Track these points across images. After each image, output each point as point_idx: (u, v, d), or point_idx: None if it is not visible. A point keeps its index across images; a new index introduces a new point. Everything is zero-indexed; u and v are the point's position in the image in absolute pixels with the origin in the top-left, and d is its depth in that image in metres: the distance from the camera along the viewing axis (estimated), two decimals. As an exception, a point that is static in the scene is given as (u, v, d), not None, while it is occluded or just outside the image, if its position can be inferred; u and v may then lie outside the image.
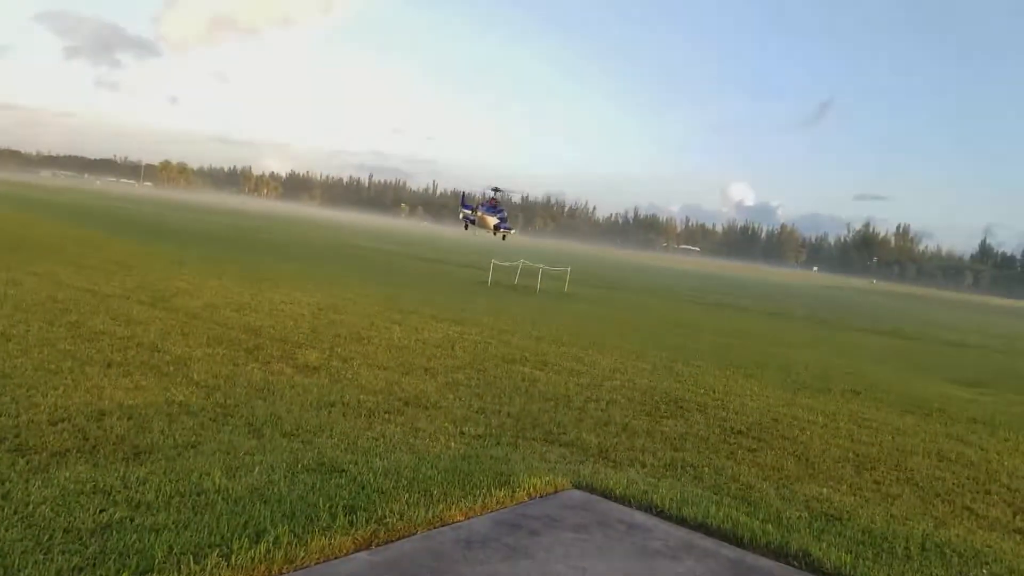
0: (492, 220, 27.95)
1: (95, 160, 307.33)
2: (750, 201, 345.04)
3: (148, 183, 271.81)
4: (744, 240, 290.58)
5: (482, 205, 27.68)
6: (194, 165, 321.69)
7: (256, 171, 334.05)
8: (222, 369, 9.58)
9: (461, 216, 28.49)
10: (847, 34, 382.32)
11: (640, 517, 5.82)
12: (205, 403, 7.97)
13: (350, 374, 10.21)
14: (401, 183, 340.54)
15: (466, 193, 27.56)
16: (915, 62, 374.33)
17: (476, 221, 28.21)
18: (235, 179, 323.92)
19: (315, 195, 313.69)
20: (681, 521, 5.85)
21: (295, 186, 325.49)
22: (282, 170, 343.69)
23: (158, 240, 32.54)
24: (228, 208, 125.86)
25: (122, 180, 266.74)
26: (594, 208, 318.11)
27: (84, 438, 6.42)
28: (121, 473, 5.54)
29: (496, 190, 27.45)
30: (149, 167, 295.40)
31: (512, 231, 29.86)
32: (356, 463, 6.31)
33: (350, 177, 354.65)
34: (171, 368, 9.33)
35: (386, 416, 8.35)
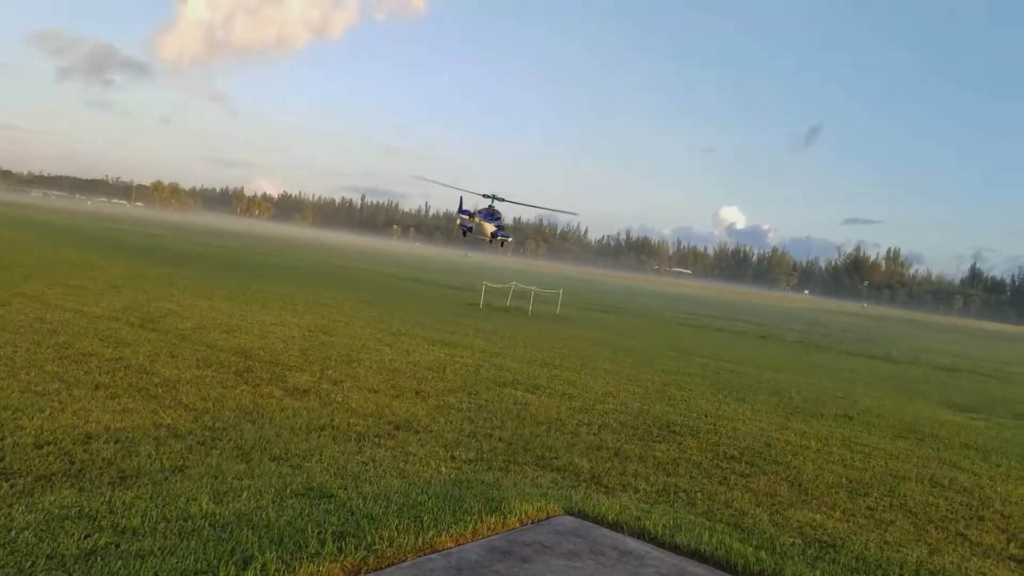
0: (490, 228, 27.73)
1: (86, 180, 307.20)
2: (741, 224, 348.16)
3: (139, 203, 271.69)
4: (736, 263, 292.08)
5: (479, 212, 27.49)
6: (186, 186, 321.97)
7: (248, 192, 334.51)
8: (211, 392, 9.49)
9: (459, 222, 28.27)
10: (837, 59, 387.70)
11: (633, 544, 5.76)
12: (193, 426, 7.89)
13: (340, 397, 10.14)
14: (393, 204, 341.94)
15: (463, 197, 27.28)
16: (904, 87, 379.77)
17: (473, 228, 27.99)
18: (227, 200, 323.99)
19: (307, 216, 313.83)
20: (674, 548, 5.79)
21: (287, 207, 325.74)
22: (274, 191, 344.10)
23: (148, 261, 32.41)
24: (219, 229, 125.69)
25: (113, 200, 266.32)
26: (586, 230, 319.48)
27: (70, 462, 6.33)
28: (107, 498, 5.45)
29: (494, 197, 27.31)
30: (141, 187, 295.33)
31: (509, 239, 29.58)
32: (345, 488, 6.23)
33: (342, 198, 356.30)
34: (159, 390, 9.23)
35: (376, 440, 8.28)
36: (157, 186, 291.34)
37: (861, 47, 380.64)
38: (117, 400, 8.52)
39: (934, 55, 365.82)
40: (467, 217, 27.27)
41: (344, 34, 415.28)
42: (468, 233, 28.48)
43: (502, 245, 29.46)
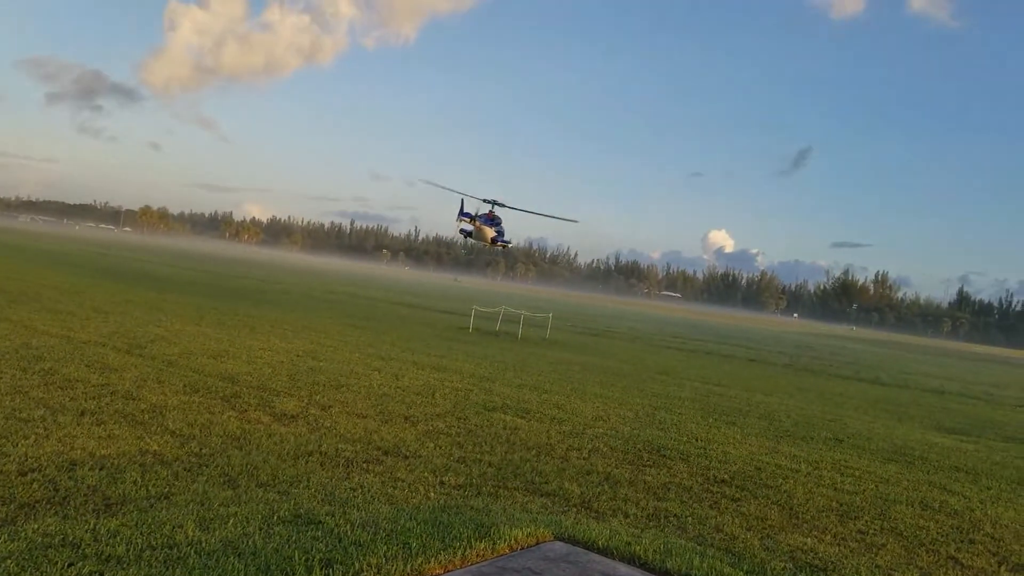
0: (490, 232, 27.62)
1: (74, 205, 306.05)
2: (730, 248, 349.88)
3: (128, 228, 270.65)
4: (725, 287, 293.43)
5: (480, 216, 27.36)
6: (175, 211, 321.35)
7: (237, 217, 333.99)
8: (198, 418, 9.41)
9: (459, 229, 28.13)
10: (824, 83, 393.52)
11: (623, 569, 5.72)
12: (180, 453, 7.80)
13: (328, 422, 10.06)
14: (383, 229, 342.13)
15: (465, 200, 27.11)
16: (891, 111, 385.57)
17: (473, 233, 27.84)
18: (216, 224, 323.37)
19: (296, 240, 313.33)
20: (664, 573, 5.75)
21: (276, 231, 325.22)
22: (263, 216, 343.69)
23: (136, 286, 32.23)
24: (208, 253, 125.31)
25: (101, 226, 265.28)
26: (575, 254, 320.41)
27: (54, 489, 6.24)
28: (91, 526, 5.38)
29: (494, 203, 27.26)
30: (129, 212, 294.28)
31: (509, 243, 29.45)
32: (333, 515, 6.17)
33: (332, 222, 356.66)
34: (146, 417, 9.14)
35: (364, 466, 8.21)
36: (145, 211, 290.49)
37: (847, 72, 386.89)
38: (103, 426, 8.43)
39: (921, 81, 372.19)
40: (468, 220, 27.09)
41: (334, 60, 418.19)
42: (468, 237, 28.34)
43: (503, 249, 29.30)
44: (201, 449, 8.02)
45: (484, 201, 27.09)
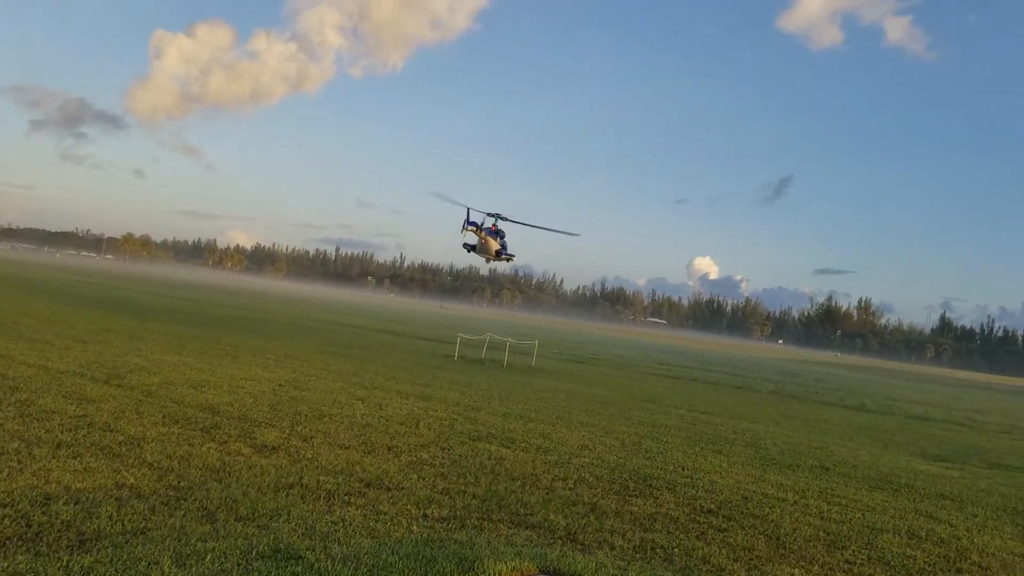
0: (495, 245, 27.54)
1: (55, 233, 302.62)
2: (714, 275, 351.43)
3: (109, 256, 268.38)
4: (710, 313, 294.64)
5: (485, 229, 27.27)
6: (158, 238, 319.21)
7: (221, 244, 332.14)
8: (176, 449, 9.23)
9: (463, 242, 27.93)
10: (805, 113, 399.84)
11: (610, 604, 5.63)
12: (157, 486, 7.64)
13: (310, 454, 9.91)
14: (368, 256, 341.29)
15: (470, 211, 26.90)
16: (871, 140, 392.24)
17: (477, 246, 27.70)
18: (199, 252, 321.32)
19: (280, 268, 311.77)
20: (652, 607, 5.66)
21: (260, 259, 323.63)
22: (248, 243, 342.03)
23: (116, 314, 31.86)
24: (191, 281, 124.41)
25: (83, 253, 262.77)
26: (561, 281, 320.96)
27: (27, 525, 6.08)
28: (64, 562, 5.23)
29: (498, 216, 27.21)
30: (111, 240, 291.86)
31: (513, 257, 29.34)
32: (314, 549, 6.04)
33: (317, 249, 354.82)
34: (123, 449, 8.96)
35: (346, 498, 8.07)
36: (128, 239, 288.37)
37: (828, 102, 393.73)
38: (79, 459, 8.25)
39: (899, 111, 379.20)
40: (474, 229, 26.91)
41: (320, 89, 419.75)
42: (472, 251, 28.18)
43: (508, 262, 29.09)
44: (179, 482, 7.86)
45: (488, 215, 27.09)
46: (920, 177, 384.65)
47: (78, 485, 7.33)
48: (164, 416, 11.14)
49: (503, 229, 27.49)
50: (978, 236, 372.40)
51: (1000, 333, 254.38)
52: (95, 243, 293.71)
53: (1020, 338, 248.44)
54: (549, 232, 30.78)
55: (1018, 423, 34.75)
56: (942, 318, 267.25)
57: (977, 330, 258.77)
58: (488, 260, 28.55)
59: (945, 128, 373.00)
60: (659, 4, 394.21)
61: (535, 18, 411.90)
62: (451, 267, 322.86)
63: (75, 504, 6.75)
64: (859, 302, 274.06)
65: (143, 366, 16.21)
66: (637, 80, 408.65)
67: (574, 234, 34.80)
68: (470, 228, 26.78)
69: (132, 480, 7.73)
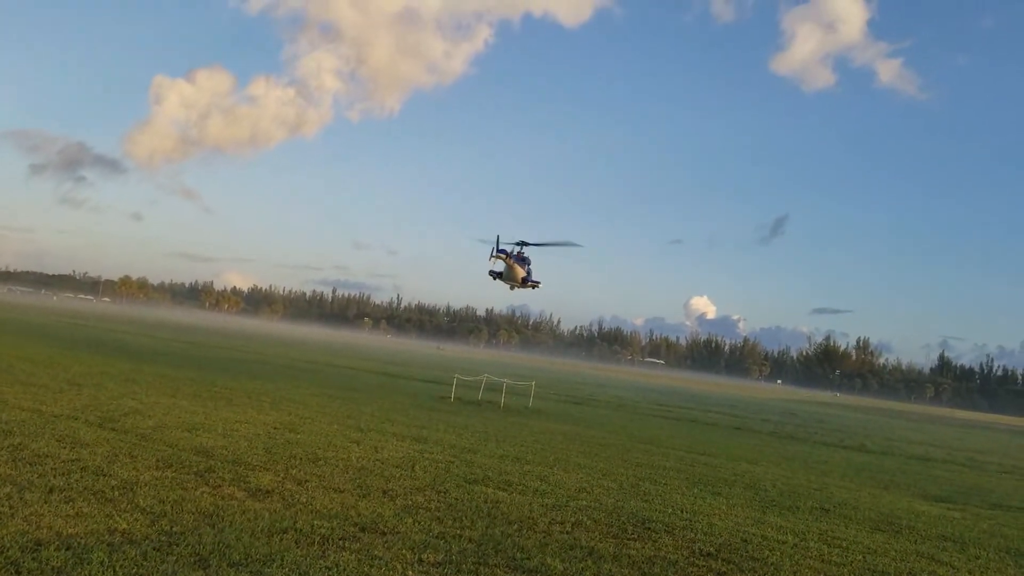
0: (522, 272, 27.63)
1: (53, 276, 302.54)
2: (712, 315, 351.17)
3: (106, 299, 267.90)
4: (708, 353, 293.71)
5: (514, 256, 27.32)
6: (155, 280, 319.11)
7: (218, 286, 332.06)
8: (170, 494, 9.14)
9: (491, 270, 27.87)
10: (799, 153, 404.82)
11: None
12: (150, 531, 7.56)
13: (304, 498, 9.81)
14: (365, 297, 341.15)
15: (499, 237, 26.93)
16: (865, 179, 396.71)
17: (504, 273, 27.69)
18: (196, 294, 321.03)
19: (277, 309, 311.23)
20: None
21: (257, 301, 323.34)
22: (244, 285, 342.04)
23: (112, 357, 31.73)
24: (187, 323, 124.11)
25: (80, 296, 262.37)
26: (559, 321, 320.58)
27: (16, 572, 6.01)
28: (50, 612, 5.15)
29: (523, 243, 27.30)
30: (108, 282, 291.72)
31: (539, 284, 29.35)
32: (307, 596, 5.96)
33: (313, 291, 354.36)
34: (116, 493, 8.88)
35: (340, 543, 7.98)
36: (125, 281, 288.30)
37: (821, 142, 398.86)
38: (71, 504, 8.16)
39: (893, 151, 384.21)
40: (504, 257, 26.96)
41: (318, 133, 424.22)
42: (497, 279, 28.17)
43: (533, 288, 29.07)
44: (172, 527, 7.78)
45: (514, 245, 27.27)
46: (914, 217, 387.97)
47: (70, 530, 7.25)
48: (158, 460, 11.05)
49: (529, 256, 27.68)
50: (974, 275, 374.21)
51: (999, 372, 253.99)
52: (92, 286, 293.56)
53: (1020, 377, 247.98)
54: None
55: (1020, 463, 34.49)
56: (941, 357, 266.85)
57: (976, 369, 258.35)
58: (513, 287, 28.62)
59: (939, 167, 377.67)
60: (653, 47, 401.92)
61: (530, 62, 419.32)
62: (448, 308, 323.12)
63: (66, 550, 6.67)
64: (857, 341, 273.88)
65: (137, 409, 16.11)
66: (631, 122, 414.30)
67: (578, 244, 34.70)
68: (500, 255, 26.88)
69: (124, 525, 7.65)
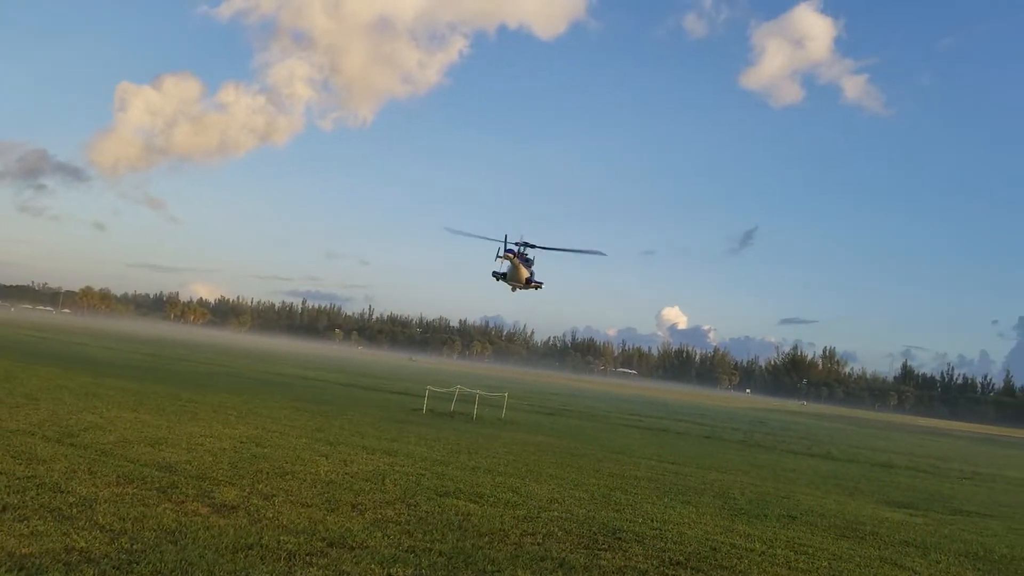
0: (526, 273, 27.47)
1: (10, 287, 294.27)
2: (683, 325, 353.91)
3: (67, 310, 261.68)
4: (679, 363, 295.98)
5: (521, 256, 27.13)
6: (118, 291, 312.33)
7: (184, 297, 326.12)
8: (130, 511, 8.92)
9: (494, 271, 27.61)
10: (768, 166, 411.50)
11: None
12: (109, 549, 7.36)
13: (271, 513, 9.64)
14: (336, 308, 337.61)
15: (507, 237, 26.67)
16: (830, 192, 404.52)
17: (508, 273, 27.45)
18: (160, 305, 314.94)
19: (245, 321, 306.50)
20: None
21: (224, 312, 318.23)
22: (211, 296, 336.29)
23: (72, 370, 30.96)
24: (151, 335, 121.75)
25: (39, 307, 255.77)
26: (532, 332, 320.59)
27: (-37, 596, 5.79)
28: (1, 636, 4.97)
29: (526, 244, 27.13)
30: (69, 293, 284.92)
31: (542, 285, 29.18)
32: (272, 614, 5.84)
33: (282, 302, 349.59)
34: (74, 511, 8.64)
35: (308, 559, 7.85)
36: (86, 292, 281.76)
37: (789, 156, 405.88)
38: (26, 523, 7.92)
39: (858, 164, 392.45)
40: (512, 256, 26.72)
41: (289, 141, 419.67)
42: (501, 280, 27.93)
43: (537, 289, 28.90)
44: (132, 545, 7.58)
45: (517, 244, 27.10)
46: (878, 229, 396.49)
47: (24, 550, 7.03)
48: (118, 476, 10.78)
49: (532, 257, 27.59)
50: (936, 287, 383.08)
51: (960, 381, 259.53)
52: (52, 297, 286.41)
53: (979, 386, 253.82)
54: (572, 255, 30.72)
55: (979, 469, 35.27)
56: (904, 366, 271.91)
57: (938, 378, 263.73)
58: (515, 288, 28.45)
59: (901, 181, 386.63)
60: (626, 60, 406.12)
61: (505, 72, 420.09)
62: (421, 319, 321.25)
63: (20, 571, 6.47)
64: (824, 351, 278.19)
65: (98, 424, 15.72)
66: (603, 134, 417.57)
67: (601, 253, 34.44)
68: (507, 254, 26.67)
69: (82, 544, 7.44)
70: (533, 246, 27.52)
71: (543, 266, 28.60)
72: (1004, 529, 15.99)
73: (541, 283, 28.68)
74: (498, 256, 26.97)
